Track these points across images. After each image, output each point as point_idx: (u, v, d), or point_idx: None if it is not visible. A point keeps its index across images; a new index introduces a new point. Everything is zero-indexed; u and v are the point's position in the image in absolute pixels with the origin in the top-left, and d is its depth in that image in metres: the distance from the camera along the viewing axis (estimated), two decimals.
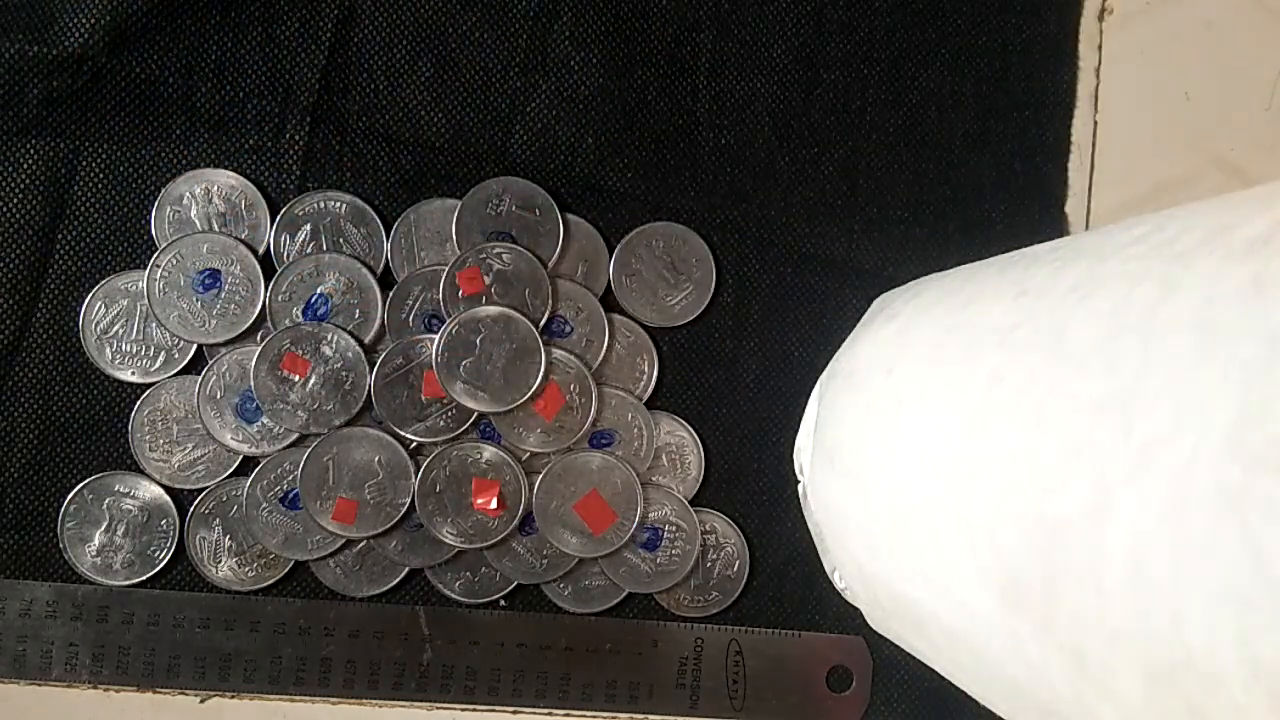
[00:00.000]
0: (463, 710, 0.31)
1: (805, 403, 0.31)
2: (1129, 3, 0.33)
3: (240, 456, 0.30)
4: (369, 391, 0.30)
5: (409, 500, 0.30)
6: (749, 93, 0.32)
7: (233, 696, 0.31)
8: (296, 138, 0.31)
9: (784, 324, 0.32)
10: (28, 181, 0.30)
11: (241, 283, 0.30)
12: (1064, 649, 0.16)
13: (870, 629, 0.29)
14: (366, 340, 0.30)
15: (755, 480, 0.32)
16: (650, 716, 0.31)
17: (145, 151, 0.31)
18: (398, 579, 0.31)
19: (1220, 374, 0.13)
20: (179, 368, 0.30)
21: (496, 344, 0.30)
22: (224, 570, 0.30)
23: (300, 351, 0.30)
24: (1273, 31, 0.32)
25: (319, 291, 0.30)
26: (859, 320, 0.31)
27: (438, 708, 0.31)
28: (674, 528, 0.31)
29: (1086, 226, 0.33)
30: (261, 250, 0.31)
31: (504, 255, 0.31)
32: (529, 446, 0.31)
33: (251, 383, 0.30)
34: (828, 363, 0.31)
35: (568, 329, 0.31)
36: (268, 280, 0.30)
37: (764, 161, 0.32)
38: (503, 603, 0.31)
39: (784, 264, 0.32)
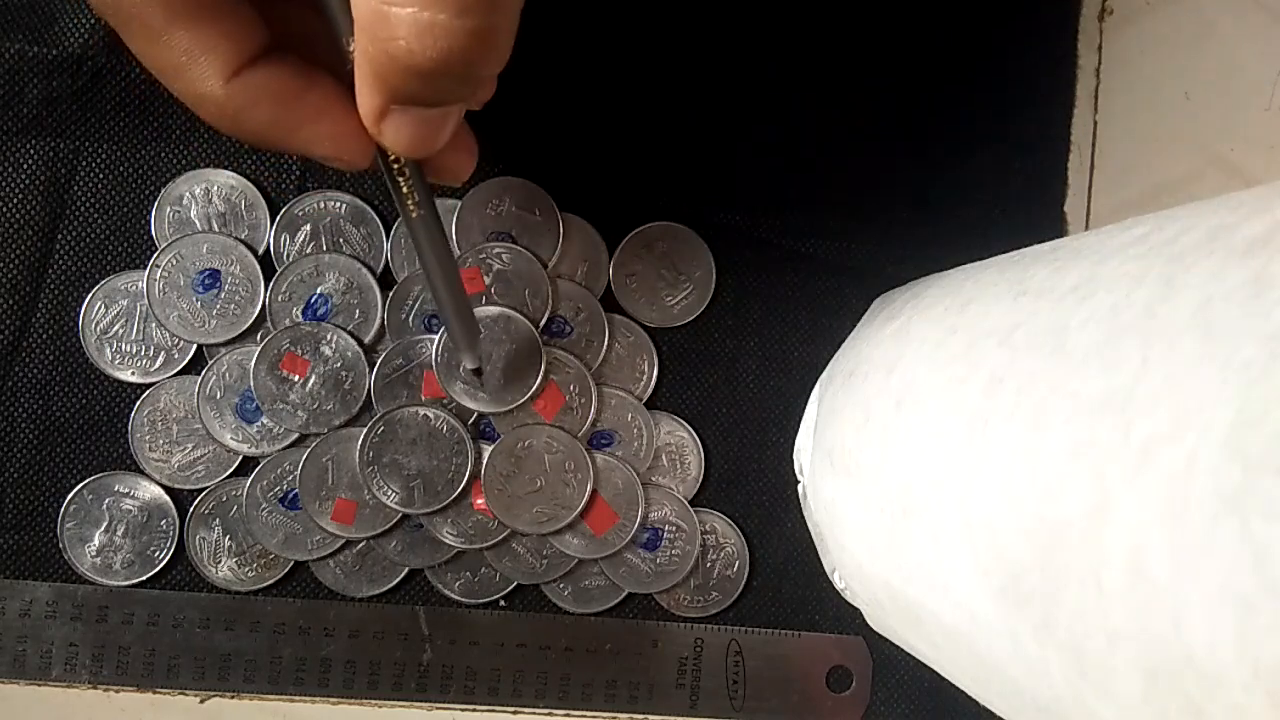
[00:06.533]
0: (463, 710, 0.31)
1: (805, 403, 0.31)
2: (1129, 3, 0.33)
3: (240, 456, 0.30)
4: (369, 391, 0.30)
5: None
6: (749, 94, 0.32)
7: (233, 697, 0.31)
8: None
9: (784, 324, 0.32)
10: (28, 181, 0.30)
11: (241, 283, 0.30)
12: (1064, 649, 0.16)
13: (870, 629, 0.29)
14: (366, 340, 0.30)
15: (755, 480, 0.32)
16: (650, 716, 0.31)
17: (145, 151, 0.31)
18: (398, 579, 0.31)
19: (1220, 374, 0.13)
20: (179, 368, 0.30)
21: (496, 344, 0.30)
22: (224, 570, 0.30)
23: (300, 351, 0.30)
24: (1273, 31, 0.32)
25: (319, 291, 0.30)
26: (859, 320, 0.31)
27: (438, 708, 0.31)
28: (674, 528, 0.31)
29: (1086, 226, 0.32)
30: (261, 250, 0.31)
31: (504, 255, 0.31)
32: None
33: (251, 383, 0.30)
34: (828, 363, 0.31)
35: (568, 329, 0.31)
36: (268, 280, 0.30)
37: (764, 162, 0.32)
38: (503, 603, 0.31)
39: (784, 264, 0.32)
